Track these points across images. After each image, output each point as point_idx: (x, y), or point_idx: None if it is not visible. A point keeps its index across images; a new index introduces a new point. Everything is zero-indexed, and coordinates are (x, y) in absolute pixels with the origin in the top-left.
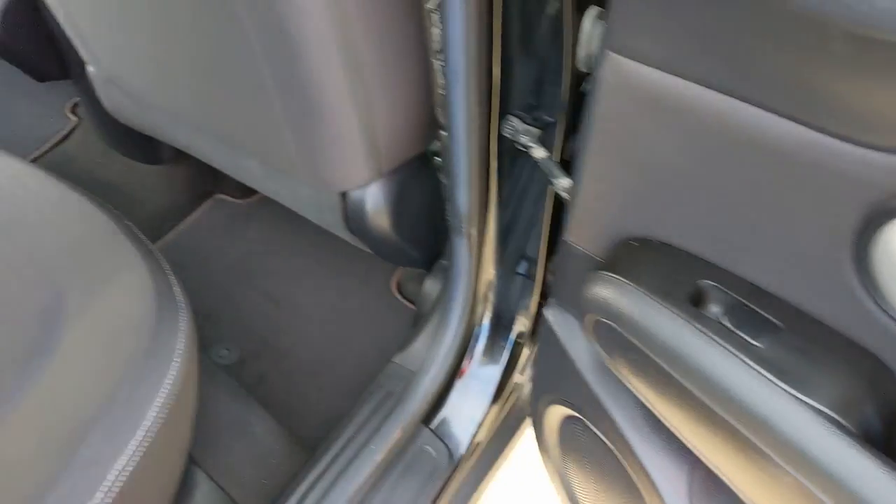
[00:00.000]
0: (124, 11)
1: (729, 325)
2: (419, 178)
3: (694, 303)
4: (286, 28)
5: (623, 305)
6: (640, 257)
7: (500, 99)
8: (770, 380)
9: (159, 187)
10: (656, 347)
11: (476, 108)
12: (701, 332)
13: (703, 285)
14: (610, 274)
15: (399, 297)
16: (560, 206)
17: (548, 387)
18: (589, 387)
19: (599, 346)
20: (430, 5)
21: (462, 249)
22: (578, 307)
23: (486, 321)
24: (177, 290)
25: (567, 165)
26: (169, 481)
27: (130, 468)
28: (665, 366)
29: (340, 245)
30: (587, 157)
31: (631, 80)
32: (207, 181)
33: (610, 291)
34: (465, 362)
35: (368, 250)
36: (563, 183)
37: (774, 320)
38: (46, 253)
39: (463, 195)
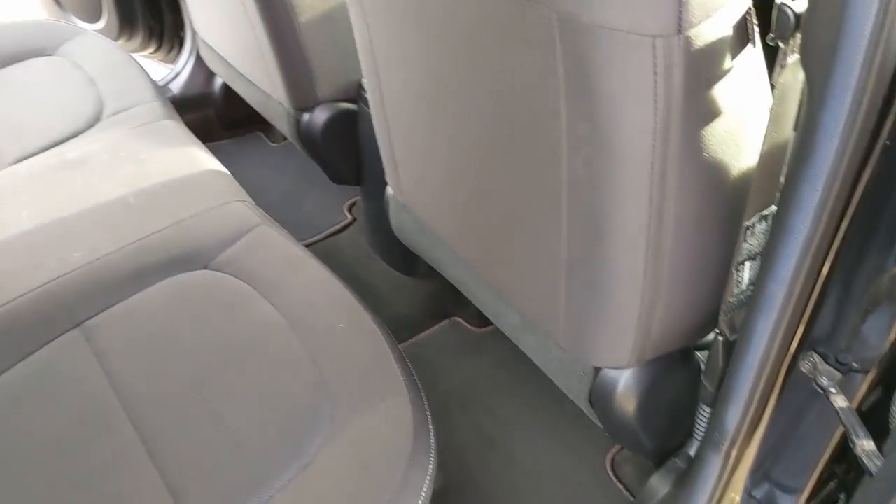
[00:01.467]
0: (438, 151)
1: None
2: (677, 371)
3: None
4: (599, 213)
5: None
6: None
7: (806, 330)
8: None
9: (405, 296)
10: None
11: (776, 333)
12: None
13: None
14: None
15: (612, 475)
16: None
17: None
18: None
19: None
20: (748, 222)
21: (713, 467)
22: None
23: None
24: (431, 428)
25: (864, 417)
26: None
27: None
28: None
29: (564, 403)
30: None
31: None
32: (449, 302)
33: None
34: None
35: (598, 423)
36: (865, 445)
37: None
38: (322, 355)
39: (733, 413)
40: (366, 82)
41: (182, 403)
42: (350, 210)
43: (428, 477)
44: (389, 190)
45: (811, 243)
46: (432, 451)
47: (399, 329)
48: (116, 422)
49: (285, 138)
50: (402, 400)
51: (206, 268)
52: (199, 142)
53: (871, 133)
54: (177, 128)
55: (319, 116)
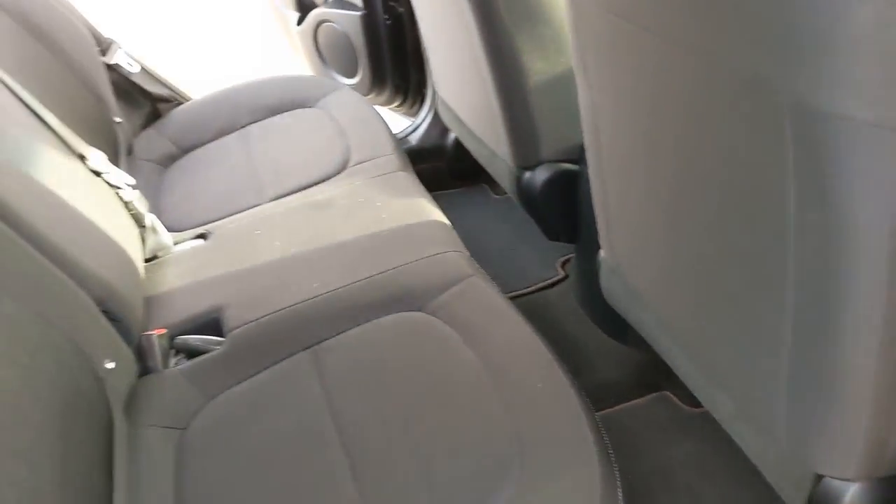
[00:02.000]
0: (653, 219)
1: None
2: None
3: None
4: (828, 305)
5: None
6: None
7: None
8: None
9: (613, 362)
10: None
11: None
12: None
13: None
14: None
15: None
16: None
17: None
18: None
19: None
20: None
21: None
22: None
23: None
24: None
25: None
26: None
27: None
28: None
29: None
30: None
31: None
32: (661, 375)
33: None
34: None
35: None
36: None
37: None
38: (518, 411)
39: None
40: (588, 149)
41: (388, 435)
42: (563, 266)
43: None
44: (602, 252)
45: None
46: None
47: (604, 395)
48: (328, 442)
49: None
50: (592, 471)
51: (420, 310)
52: (427, 194)
53: None
54: (410, 179)
55: (540, 175)
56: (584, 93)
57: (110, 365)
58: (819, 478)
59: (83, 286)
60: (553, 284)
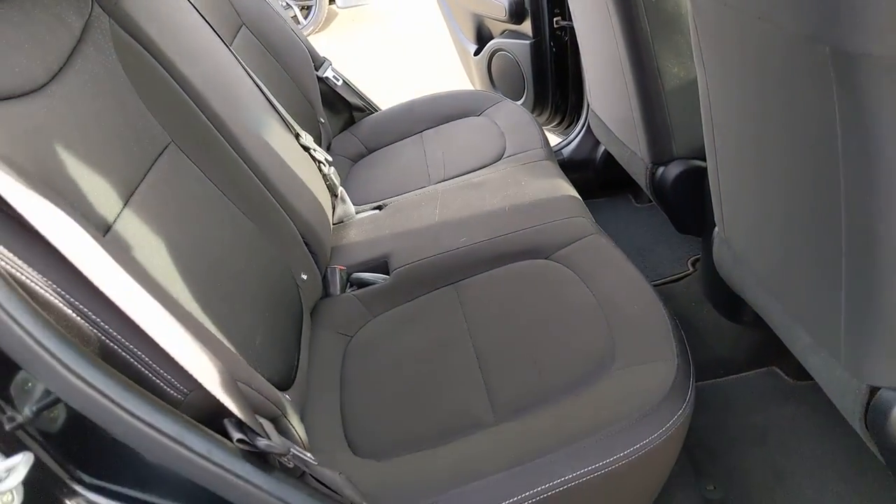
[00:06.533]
0: (750, 185)
1: None
2: None
3: None
4: (870, 223)
5: None
6: None
7: None
8: None
9: (728, 341)
10: None
11: None
12: None
13: None
14: None
15: None
16: None
17: None
18: None
19: None
20: None
21: None
22: None
23: None
24: (692, 385)
25: None
26: None
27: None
28: None
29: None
30: None
31: None
32: (770, 353)
33: None
34: None
35: (877, 454)
36: None
37: None
38: (617, 325)
39: None
40: (704, 132)
41: (510, 342)
42: (693, 264)
43: (676, 415)
44: (717, 228)
45: None
46: (687, 399)
47: (716, 367)
48: (464, 345)
49: (649, 200)
50: (670, 363)
51: (548, 258)
52: (564, 176)
53: None
54: (552, 166)
55: (672, 170)
56: (701, 80)
57: (305, 276)
58: (874, 390)
59: (292, 218)
60: (681, 278)
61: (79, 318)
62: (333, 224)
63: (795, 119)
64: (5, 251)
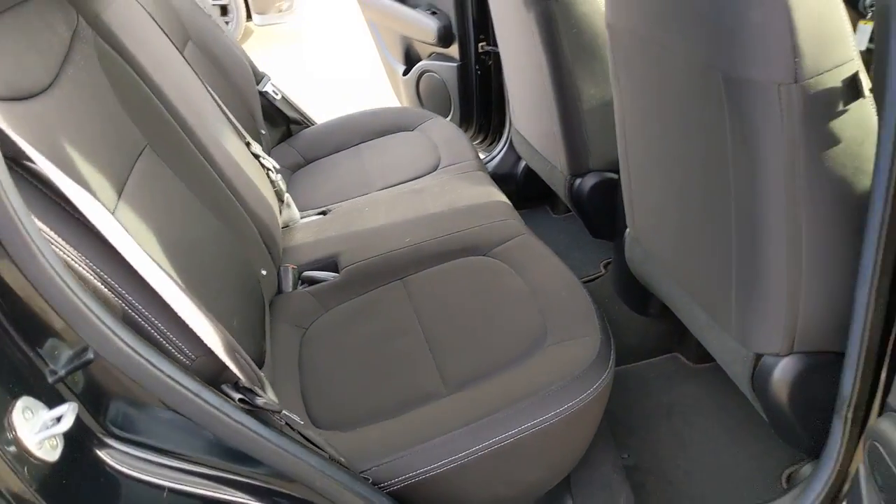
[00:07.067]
0: (654, 189)
1: None
2: (827, 371)
3: None
4: (753, 215)
5: None
6: None
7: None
8: None
9: (637, 332)
10: None
11: (872, 316)
12: None
13: None
14: None
15: (784, 486)
16: None
17: None
18: None
19: None
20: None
21: (836, 432)
22: None
23: None
24: (612, 354)
25: None
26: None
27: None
28: None
29: (756, 426)
30: None
31: None
32: (673, 341)
33: None
34: None
35: (763, 415)
36: None
37: None
38: (548, 308)
39: (848, 378)
40: (618, 145)
41: (455, 327)
42: (605, 266)
43: (601, 378)
44: (627, 229)
45: (883, 224)
46: (608, 368)
47: (627, 354)
48: (413, 331)
49: (567, 210)
50: (594, 338)
51: (486, 255)
52: (495, 184)
53: None
54: (484, 177)
55: (588, 181)
56: (617, 103)
57: (264, 272)
58: (759, 357)
59: (251, 219)
60: (595, 278)
61: (107, 290)
62: (281, 227)
63: (694, 132)
64: (48, 230)
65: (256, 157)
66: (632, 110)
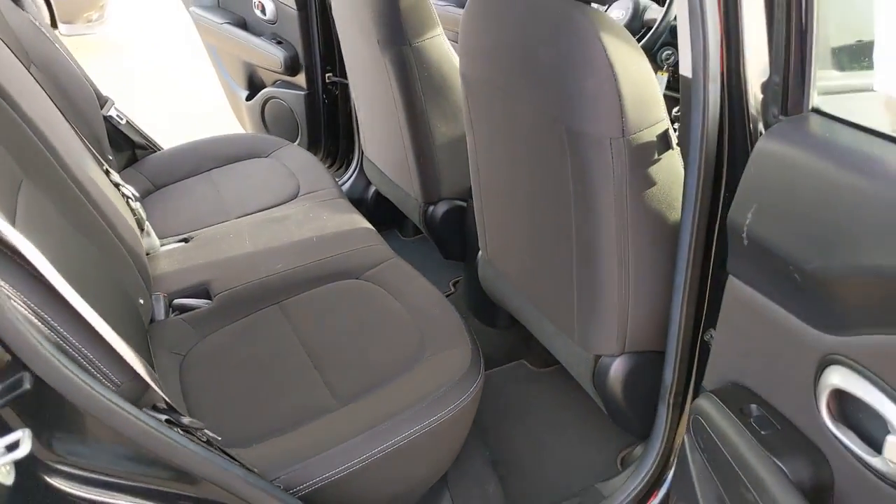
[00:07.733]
0: (506, 217)
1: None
2: (654, 367)
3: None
4: (591, 243)
5: None
6: None
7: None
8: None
9: (488, 343)
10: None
11: (685, 320)
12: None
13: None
14: None
15: (619, 466)
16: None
17: None
18: None
19: None
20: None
21: (661, 415)
22: None
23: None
24: (482, 362)
25: None
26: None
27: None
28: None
29: (596, 418)
30: None
31: None
32: (520, 350)
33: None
34: None
35: (603, 408)
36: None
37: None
38: (423, 325)
39: (669, 370)
40: (472, 179)
41: (338, 342)
42: (454, 285)
43: (475, 383)
44: (480, 252)
45: (691, 248)
46: (480, 373)
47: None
48: (296, 352)
49: (416, 233)
50: (466, 349)
51: (358, 278)
52: (358, 213)
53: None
54: (346, 203)
55: (441, 208)
56: (470, 141)
57: (141, 301)
58: (598, 358)
59: (123, 245)
60: (447, 296)
61: (35, 318)
62: None
63: (542, 171)
64: None
65: (116, 185)
66: (485, 149)
